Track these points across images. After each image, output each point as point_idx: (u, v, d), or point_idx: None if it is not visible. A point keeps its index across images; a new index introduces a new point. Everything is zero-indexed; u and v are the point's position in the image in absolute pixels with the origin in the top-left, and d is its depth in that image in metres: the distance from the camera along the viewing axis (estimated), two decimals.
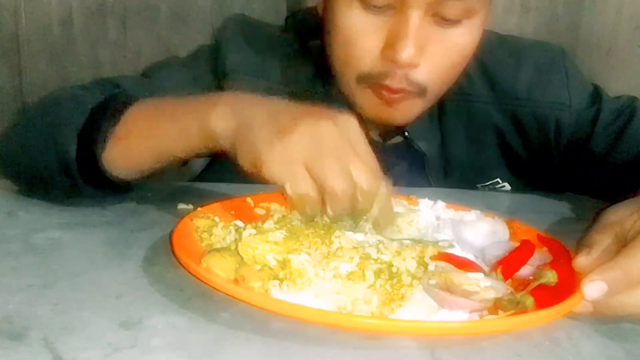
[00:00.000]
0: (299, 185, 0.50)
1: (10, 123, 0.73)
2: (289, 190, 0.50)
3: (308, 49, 0.84)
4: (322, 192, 0.50)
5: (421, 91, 0.72)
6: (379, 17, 0.68)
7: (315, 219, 0.54)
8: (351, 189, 0.50)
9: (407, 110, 0.74)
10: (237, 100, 0.56)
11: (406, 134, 0.82)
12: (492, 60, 0.83)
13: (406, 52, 0.67)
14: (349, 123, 0.53)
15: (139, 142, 0.61)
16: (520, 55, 0.85)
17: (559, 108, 0.82)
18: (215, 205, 0.61)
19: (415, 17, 0.66)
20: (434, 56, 0.70)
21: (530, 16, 1.34)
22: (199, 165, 0.93)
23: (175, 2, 1.45)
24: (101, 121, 0.62)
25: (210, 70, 0.85)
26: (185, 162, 0.83)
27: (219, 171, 0.88)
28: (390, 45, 0.68)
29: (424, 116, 0.83)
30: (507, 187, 0.87)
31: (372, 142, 0.84)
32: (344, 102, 0.78)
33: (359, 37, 0.70)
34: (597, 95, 0.84)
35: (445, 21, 0.69)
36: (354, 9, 0.69)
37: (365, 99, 0.74)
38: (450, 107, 0.84)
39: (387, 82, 0.70)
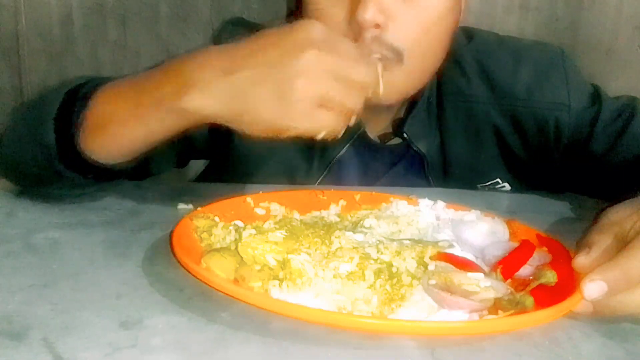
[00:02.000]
0: (329, 127, 0.52)
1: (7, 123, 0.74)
2: (322, 134, 0.53)
3: None
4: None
5: (397, 55, 0.71)
6: None
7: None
8: (362, 93, 0.53)
9: (392, 86, 0.72)
10: (211, 70, 0.54)
11: (405, 135, 0.82)
12: (491, 61, 0.83)
13: (367, 12, 0.67)
14: (320, 30, 0.53)
15: (118, 128, 0.61)
16: (519, 56, 0.85)
17: (558, 108, 0.82)
18: (215, 205, 0.61)
19: None
20: (401, 17, 0.70)
21: (529, 16, 1.34)
22: (199, 165, 0.93)
23: (175, 2, 1.45)
24: (73, 107, 0.62)
25: None
26: (184, 162, 0.83)
27: (218, 171, 0.88)
28: (352, 12, 0.69)
29: (423, 117, 0.82)
30: (507, 187, 0.87)
31: (371, 144, 0.85)
32: None
33: (324, 11, 0.71)
34: (596, 95, 0.83)
35: None
36: None
37: None
38: (449, 108, 0.84)
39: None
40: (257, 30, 0.88)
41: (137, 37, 1.45)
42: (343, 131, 0.55)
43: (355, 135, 0.81)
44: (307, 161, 0.84)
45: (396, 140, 0.85)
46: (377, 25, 0.68)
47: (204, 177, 0.93)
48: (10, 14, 1.42)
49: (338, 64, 0.52)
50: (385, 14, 0.68)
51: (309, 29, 0.53)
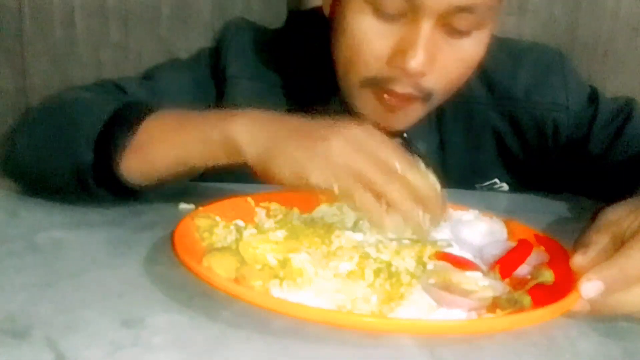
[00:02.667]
0: (344, 181, 0.51)
1: (15, 124, 0.73)
2: (336, 189, 0.51)
3: (308, 51, 0.84)
4: (379, 198, 0.51)
5: (427, 97, 0.72)
6: (390, 24, 0.68)
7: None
8: (392, 174, 0.52)
9: (407, 117, 0.74)
10: (257, 115, 0.57)
11: (405, 135, 0.82)
12: (490, 63, 0.83)
13: (416, 61, 0.66)
14: (370, 130, 0.54)
15: (157, 151, 0.61)
16: (518, 58, 0.85)
17: (556, 109, 0.83)
18: (216, 205, 0.61)
19: (427, 27, 0.66)
20: (442, 65, 0.70)
21: (527, 18, 1.34)
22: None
23: (176, 3, 1.45)
24: (117, 130, 0.62)
25: (211, 74, 0.85)
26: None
27: (219, 171, 0.89)
28: (400, 53, 0.68)
29: (423, 118, 0.83)
30: (505, 187, 0.87)
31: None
32: (343, 105, 0.78)
33: (368, 42, 0.70)
34: (594, 96, 0.84)
35: (455, 32, 0.69)
36: (366, 14, 0.69)
37: (367, 103, 0.74)
38: (448, 110, 0.84)
39: (393, 87, 0.70)
40: (259, 32, 0.89)
41: (138, 38, 1.45)
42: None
43: None
44: None
45: (396, 141, 0.85)
46: (423, 74, 0.69)
47: (204, 176, 0.93)
48: (14, 16, 1.43)
49: (387, 152, 0.53)
50: (431, 63, 0.68)
51: (369, 127, 0.54)
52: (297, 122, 0.56)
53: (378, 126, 0.75)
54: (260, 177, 0.55)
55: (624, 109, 0.82)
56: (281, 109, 0.82)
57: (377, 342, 0.44)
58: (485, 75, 0.84)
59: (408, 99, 0.71)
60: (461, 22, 0.68)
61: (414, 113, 0.74)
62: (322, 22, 0.77)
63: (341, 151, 0.51)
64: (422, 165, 0.54)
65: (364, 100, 0.74)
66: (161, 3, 1.45)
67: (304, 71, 0.84)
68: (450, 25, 0.68)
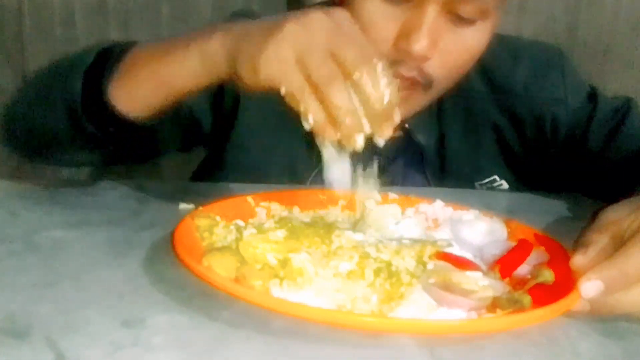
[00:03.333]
0: (290, 80, 0.50)
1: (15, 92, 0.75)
2: (282, 91, 0.50)
3: None
4: (315, 86, 0.50)
5: (428, 84, 0.73)
6: (396, 8, 0.69)
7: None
8: (340, 79, 0.50)
9: (408, 104, 0.74)
10: (233, 25, 0.57)
11: (407, 126, 0.82)
12: (490, 58, 0.84)
13: (420, 44, 0.67)
14: (342, 14, 0.53)
15: (142, 76, 0.62)
16: (517, 53, 0.86)
17: (555, 104, 0.83)
18: (216, 205, 0.61)
19: (432, 12, 0.67)
20: (445, 52, 0.71)
21: (528, 17, 1.34)
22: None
23: (176, 3, 1.45)
24: (105, 62, 0.63)
25: None
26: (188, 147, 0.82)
27: (217, 163, 0.88)
28: (404, 36, 0.69)
29: (424, 111, 0.83)
30: (505, 185, 0.87)
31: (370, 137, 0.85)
32: None
33: (374, 24, 0.70)
34: (593, 95, 0.85)
35: (460, 20, 0.70)
36: None
37: None
38: (448, 104, 0.85)
39: (401, 69, 0.70)
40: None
41: (138, 38, 1.45)
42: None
43: None
44: (308, 150, 0.84)
45: (397, 134, 0.85)
46: (426, 58, 0.69)
47: (202, 169, 0.93)
48: (14, 16, 1.43)
49: (338, 37, 0.50)
50: (434, 48, 0.69)
51: (339, 10, 0.53)
52: (269, 20, 0.54)
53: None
54: (239, 85, 0.54)
55: (622, 107, 0.82)
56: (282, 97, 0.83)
57: (377, 342, 0.44)
58: (485, 70, 0.84)
59: (412, 83, 0.72)
60: (466, 9, 0.68)
61: (415, 101, 0.75)
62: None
63: (294, 42, 0.50)
64: (379, 67, 0.51)
65: None
66: (161, 2, 1.45)
67: None
68: (455, 12, 0.69)
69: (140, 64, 0.62)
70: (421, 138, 0.84)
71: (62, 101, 0.65)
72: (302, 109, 0.50)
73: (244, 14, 0.90)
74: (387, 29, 0.70)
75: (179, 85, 0.60)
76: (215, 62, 0.56)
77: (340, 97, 0.50)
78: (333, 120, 0.50)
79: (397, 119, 0.53)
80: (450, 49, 0.71)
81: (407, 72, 0.70)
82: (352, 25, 0.53)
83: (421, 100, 0.75)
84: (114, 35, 1.46)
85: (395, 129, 0.83)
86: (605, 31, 1.37)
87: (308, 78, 0.50)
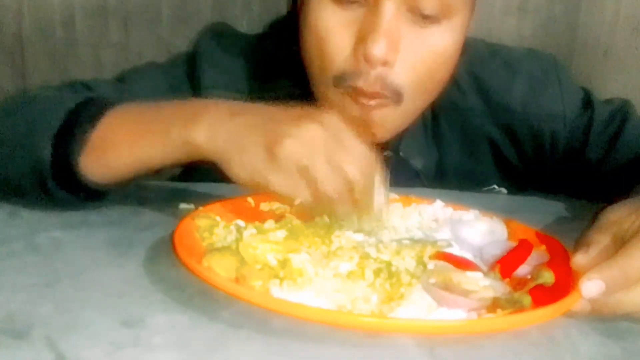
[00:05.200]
0: (301, 195, 0.51)
1: None
2: (298, 202, 0.52)
3: (285, 58, 0.80)
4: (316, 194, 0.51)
5: (397, 96, 0.68)
6: (351, 12, 0.66)
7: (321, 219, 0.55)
8: (345, 186, 0.51)
9: (383, 123, 0.71)
10: (219, 110, 0.56)
11: (401, 154, 0.80)
12: (485, 73, 0.82)
13: (377, 47, 0.63)
14: (333, 120, 0.52)
15: (116, 150, 0.59)
16: (512, 67, 0.83)
17: (554, 120, 0.81)
18: (216, 205, 0.61)
19: (388, 11, 0.63)
20: (409, 56, 0.66)
21: (527, 18, 1.34)
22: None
23: (177, 4, 1.45)
24: (76, 126, 0.60)
25: (187, 80, 0.83)
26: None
27: (201, 170, 0.88)
28: (361, 40, 0.65)
29: (419, 134, 0.81)
30: (504, 191, 0.86)
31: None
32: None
33: (330, 33, 0.67)
34: (588, 100, 0.83)
35: (423, 19, 0.66)
36: (325, 3, 0.66)
37: (344, 107, 0.70)
38: (444, 122, 0.83)
39: (361, 83, 0.66)
40: (237, 39, 0.87)
41: (139, 38, 1.45)
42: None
43: None
44: None
45: (388, 154, 0.84)
46: (385, 62, 0.65)
47: (185, 177, 0.92)
48: (13, 16, 1.43)
49: (335, 149, 0.51)
50: (394, 50, 0.65)
51: (331, 116, 0.53)
52: (259, 114, 0.54)
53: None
54: (226, 176, 0.54)
55: (619, 112, 0.81)
56: None
57: (377, 342, 0.44)
58: (480, 84, 0.82)
59: (378, 101, 0.68)
60: (427, 5, 0.64)
61: (389, 119, 0.71)
62: (295, 27, 0.75)
63: (299, 154, 0.50)
64: (377, 180, 0.53)
65: (340, 104, 0.70)
66: (161, 3, 1.45)
67: (281, 78, 0.81)
68: (415, 9, 0.65)
69: (114, 139, 0.59)
70: (417, 162, 0.81)
71: (28, 163, 0.61)
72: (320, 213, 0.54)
73: (215, 31, 0.88)
74: (343, 36, 0.66)
75: (155, 166, 0.59)
76: (200, 152, 0.55)
77: (344, 211, 0.52)
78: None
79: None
80: (415, 52, 0.67)
81: (369, 86, 0.66)
82: (345, 131, 0.52)
83: (396, 118, 0.71)
84: (114, 36, 1.46)
85: (387, 157, 0.82)
86: (605, 32, 1.36)
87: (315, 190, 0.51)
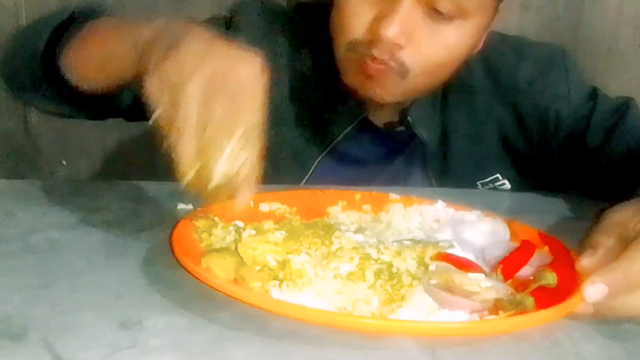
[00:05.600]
0: (166, 109, 0.48)
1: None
2: (155, 115, 0.48)
3: (317, 33, 0.85)
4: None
5: (403, 71, 0.73)
6: None
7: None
8: (195, 124, 0.47)
9: (386, 88, 0.76)
10: (168, 23, 0.56)
11: (409, 119, 0.82)
12: (494, 54, 0.85)
13: (390, 30, 0.69)
14: (247, 61, 0.49)
15: (88, 47, 0.64)
16: (522, 51, 0.87)
17: (558, 101, 0.84)
18: (215, 206, 0.61)
19: (407, 1, 0.69)
20: (420, 44, 0.72)
21: (530, 16, 1.34)
22: None
23: (175, 2, 1.45)
24: (71, 26, 0.66)
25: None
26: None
27: None
28: (377, 20, 0.71)
29: (427, 106, 0.84)
30: (507, 185, 0.87)
31: (374, 130, 0.85)
32: (344, 86, 0.79)
33: (353, 9, 0.73)
34: (594, 94, 0.85)
35: (437, 15, 0.71)
36: None
37: (351, 69, 0.76)
38: (452, 100, 0.85)
39: (374, 51, 0.72)
40: (272, 10, 0.89)
41: None
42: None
43: (357, 120, 0.83)
44: (309, 139, 0.85)
45: (400, 129, 0.85)
46: (397, 45, 0.71)
47: None
48: (11, 15, 1.42)
49: (221, 88, 0.47)
50: (407, 36, 0.70)
51: (251, 59, 0.50)
52: (194, 32, 0.52)
53: (360, 91, 0.77)
54: None
55: (622, 105, 0.83)
56: (283, 83, 0.84)
57: (378, 344, 0.44)
58: (489, 66, 0.85)
59: (385, 67, 0.73)
60: (443, 4, 0.70)
61: (392, 87, 0.76)
62: (329, 7, 0.79)
63: (177, 72, 0.47)
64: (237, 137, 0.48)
65: (349, 66, 0.76)
66: (160, 2, 1.45)
67: (310, 51, 0.86)
68: (432, 6, 0.70)
69: (89, 39, 0.65)
70: (424, 132, 0.84)
71: (27, 52, 0.68)
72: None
73: (253, 1, 0.90)
74: (364, 13, 0.72)
75: (113, 68, 0.60)
76: (134, 57, 0.54)
77: (186, 146, 0.47)
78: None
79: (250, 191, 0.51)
80: (426, 42, 0.72)
81: (379, 54, 0.72)
82: (252, 75, 0.49)
83: (396, 86, 0.76)
84: None
85: (396, 124, 0.84)
86: (608, 30, 1.36)
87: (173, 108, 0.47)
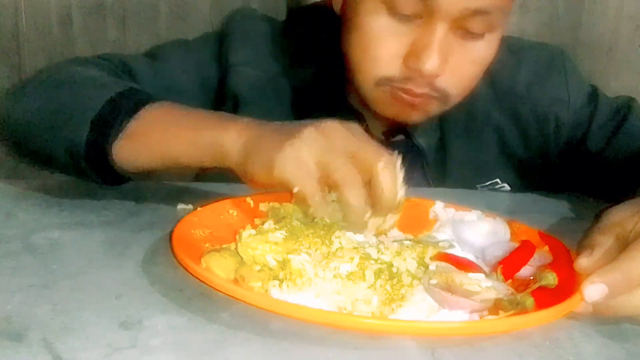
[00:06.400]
0: (307, 184, 0.51)
1: (13, 89, 0.74)
2: (295, 191, 0.52)
3: (311, 44, 0.85)
4: (335, 186, 0.52)
5: (444, 97, 0.73)
6: (405, 25, 0.69)
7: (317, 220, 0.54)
8: (359, 177, 0.51)
9: (427, 113, 0.76)
10: (248, 122, 0.58)
11: (407, 130, 0.82)
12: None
13: (430, 63, 0.68)
14: (354, 125, 0.54)
15: (149, 143, 0.62)
16: (519, 54, 0.86)
17: (558, 105, 0.83)
18: (215, 205, 0.61)
19: (441, 29, 0.67)
20: (456, 67, 0.71)
21: (530, 16, 1.34)
22: None
23: (175, 1, 1.45)
24: (115, 115, 0.62)
25: (214, 58, 0.86)
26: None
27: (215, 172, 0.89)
28: (414, 54, 0.69)
29: None
30: (507, 187, 0.87)
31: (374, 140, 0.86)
32: (345, 97, 0.78)
33: (382, 41, 0.70)
34: (594, 95, 0.85)
35: (469, 34, 0.70)
36: (380, 13, 0.69)
37: (383, 100, 0.75)
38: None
39: (410, 86, 0.71)
40: (265, 22, 0.89)
41: (136, 36, 1.45)
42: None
43: None
44: None
45: (399, 137, 0.85)
46: (437, 75, 0.70)
47: (202, 177, 0.93)
48: (10, 14, 1.42)
49: (354, 142, 0.53)
50: (445, 64, 0.69)
51: (352, 123, 0.55)
52: (283, 125, 0.56)
53: (396, 117, 0.76)
54: (243, 179, 0.56)
55: (623, 107, 0.83)
56: (282, 99, 0.84)
57: (378, 344, 0.44)
58: (487, 72, 0.84)
59: (426, 98, 0.72)
60: (475, 25, 0.69)
61: (432, 111, 0.76)
62: (325, 17, 0.78)
63: (313, 146, 0.51)
64: (397, 165, 0.54)
65: (380, 98, 0.75)
66: (159, 1, 1.45)
67: (306, 63, 0.84)
68: (464, 28, 0.69)
69: (148, 133, 0.62)
70: (422, 141, 0.83)
71: (64, 142, 0.64)
72: (311, 211, 0.53)
73: (245, 13, 0.90)
74: (396, 46, 0.70)
75: (183, 162, 0.61)
76: (225, 155, 0.57)
77: (357, 200, 0.51)
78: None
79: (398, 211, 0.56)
80: (461, 64, 0.71)
81: (418, 88, 0.71)
82: (364, 133, 0.55)
83: (437, 110, 0.76)
84: (112, 34, 1.45)
85: (395, 132, 0.84)
86: (608, 30, 1.36)
87: (327, 179, 0.52)
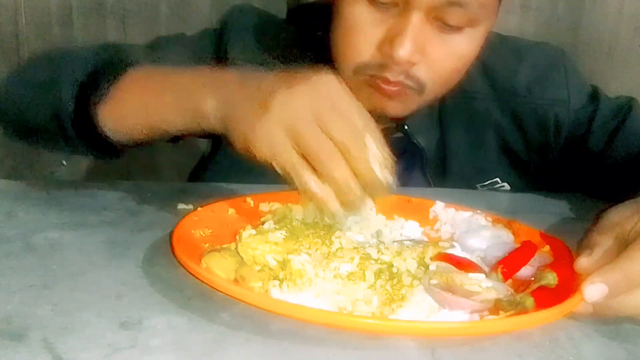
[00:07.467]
0: (283, 158, 0.50)
1: (7, 75, 0.76)
2: (275, 166, 0.50)
3: (309, 42, 0.85)
4: (314, 159, 0.50)
5: (419, 88, 0.73)
6: (383, 13, 0.70)
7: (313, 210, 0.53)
8: (335, 152, 0.50)
9: (403, 104, 0.75)
10: (229, 81, 0.57)
11: (406, 127, 0.82)
12: (492, 59, 0.84)
13: (402, 50, 0.68)
14: (328, 82, 0.53)
15: (132, 106, 0.63)
16: (520, 54, 0.86)
17: (558, 105, 0.83)
18: (216, 205, 0.61)
19: (416, 18, 0.68)
20: (433, 58, 0.71)
21: (530, 16, 1.34)
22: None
23: (175, 1, 1.45)
24: (100, 80, 0.63)
25: (213, 54, 0.86)
26: (176, 139, 0.83)
27: (217, 171, 0.89)
28: (388, 41, 0.69)
29: (424, 112, 0.83)
30: (506, 187, 0.87)
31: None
32: None
33: (360, 29, 0.71)
34: (595, 95, 0.85)
35: (447, 27, 0.70)
36: (360, 2, 0.70)
37: (361, 90, 0.74)
38: (450, 105, 0.85)
39: (386, 74, 0.71)
40: (264, 19, 0.89)
41: (136, 37, 1.45)
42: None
43: None
44: None
45: (398, 135, 0.85)
46: (409, 63, 0.70)
47: (200, 168, 0.93)
48: (10, 14, 1.42)
49: (326, 114, 0.50)
50: (420, 52, 0.70)
51: (327, 78, 0.53)
52: (261, 82, 0.54)
53: (374, 110, 0.75)
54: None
55: (623, 107, 0.82)
56: None
57: (378, 344, 0.44)
58: (487, 70, 0.85)
59: (402, 87, 0.72)
60: (452, 17, 0.69)
61: (410, 103, 0.75)
62: (323, 15, 0.78)
63: (283, 120, 0.50)
64: (370, 142, 0.51)
65: (359, 88, 0.74)
66: (159, 1, 1.45)
67: (303, 60, 0.84)
68: (441, 19, 0.69)
69: (131, 95, 0.63)
70: (421, 140, 0.83)
71: (51, 105, 0.65)
72: (297, 185, 0.51)
73: (244, 9, 0.90)
74: (372, 33, 0.71)
75: (167, 128, 0.61)
76: (206, 120, 0.56)
77: (339, 172, 0.49)
78: (332, 190, 0.50)
79: (391, 186, 0.53)
80: (438, 55, 0.71)
81: (393, 76, 0.71)
82: (340, 92, 0.53)
83: (415, 102, 0.76)
84: (112, 34, 1.45)
85: (394, 130, 0.84)
86: (608, 30, 1.36)
87: (303, 154, 0.50)
